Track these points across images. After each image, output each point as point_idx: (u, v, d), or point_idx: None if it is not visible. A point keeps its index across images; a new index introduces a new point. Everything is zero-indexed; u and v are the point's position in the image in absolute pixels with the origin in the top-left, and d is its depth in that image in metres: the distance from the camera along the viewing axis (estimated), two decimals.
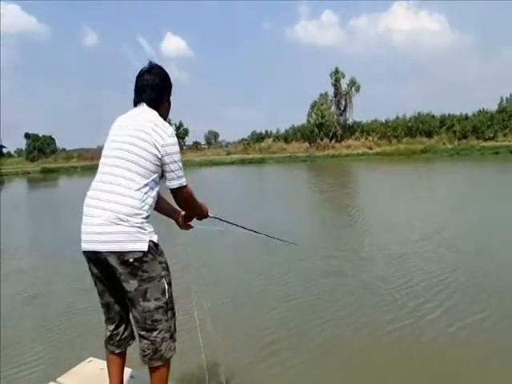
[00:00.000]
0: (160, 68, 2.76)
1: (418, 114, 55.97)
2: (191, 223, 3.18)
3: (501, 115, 50.90)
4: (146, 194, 2.45)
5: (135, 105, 2.71)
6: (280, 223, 12.97)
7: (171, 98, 2.83)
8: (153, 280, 2.45)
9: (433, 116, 55.50)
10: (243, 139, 72.50)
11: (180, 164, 2.54)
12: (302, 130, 60.78)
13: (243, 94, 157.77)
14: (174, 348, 2.59)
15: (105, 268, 2.47)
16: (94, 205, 2.45)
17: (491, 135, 48.85)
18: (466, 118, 53.33)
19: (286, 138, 63.27)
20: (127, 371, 2.95)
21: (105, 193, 2.44)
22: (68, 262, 9.39)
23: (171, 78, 2.82)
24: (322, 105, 58.64)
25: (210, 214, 3.08)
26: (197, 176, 35.54)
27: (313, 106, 59.36)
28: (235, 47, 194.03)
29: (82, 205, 2.53)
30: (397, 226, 11.95)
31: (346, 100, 59.71)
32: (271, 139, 65.10)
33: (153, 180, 2.50)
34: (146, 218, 2.46)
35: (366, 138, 54.80)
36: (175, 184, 2.55)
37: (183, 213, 3.05)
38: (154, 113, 2.63)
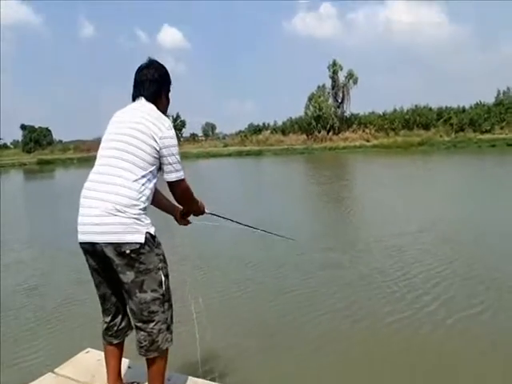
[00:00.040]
0: (159, 64, 2.77)
1: (416, 106, 55.84)
2: (189, 219, 3.17)
3: (498, 108, 50.84)
4: (143, 185, 2.44)
5: (134, 99, 2.70)
6: (277, 216, 12.96)
7: (170, 94, 2.84)
8: (150, 272, 2.44)
9: (430, 109, 55.37)
10: (240, 131, 72.37)
11: (178, 157, 2.54)
12: (300, 123, 60.58)
13: (240, 85, 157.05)
14: (171, 339, 2.57)
15: (101, 259, 2.45)
16: (92, 196, 2.43)
17: (488, 128, 48.79)
18: (463, 110, 53.24)
19: (284, 130, 63.08)
20: (125, 362, 2.93)
21: (103, 184, 2.43)
22: (66, 254, 9.39)
23: (169, 71, 2.82)
24: (319, 97, 58.46)
25: (206, 211, 3.08)
26: (194, 168, 35.50)
27: (310, 99, 59.19)
28: (232, 39, 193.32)
29: (79, 196, 2.51)
30: (394, 218, 11.97)
31: (343, 92, 59.55)
32: (268, 131, 64.88)
33: (150, 172, 2.48)
34: (144, 209, 2.45)
35: (364, 131, 54.70)
36: (173, 177, 2.54)
37: (181, 208, 3.03)
38: (152, 106, 2.63)
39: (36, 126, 77.43)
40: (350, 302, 6.22)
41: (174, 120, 69.74)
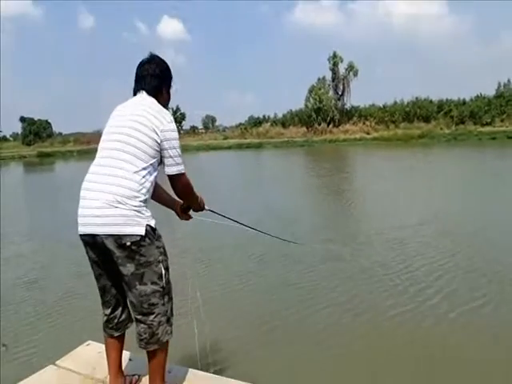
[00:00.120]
0: (160, 59, 2.77)
1: (416, 98, 55.83)
2: (189, 214, 3.17)
3: (498, 100, 50.77)
4: (144, 177, 2.43)
5: (135, 93, 2.71)
6: (277, 209, 12.95)
7: (172, 90, 2.85)
8: (150, 264, 2.43)
9: (430, 101, 55.32)
10: (241, 124, 72.40)
11: (179, 151, 2.54)
12: (300, 115, 60.56)
13: (241, 78, 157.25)
14: (171, 332, 2.58)
15: (102, 252, 2.44)
16: (94, 188, 2.42)
17: (488, 120, 48.76)
18: (464, 103, 53.18)
19: (284, 122, 63.06)
20: (125, 354, 2.93)
21: (104, 176, 2.42)
22: (66, 246, 9.39)
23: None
24: (319, 89, 58.39)
25: (206, 207, 3.07)
26: (194, 161, 35.50)
27: (310, 91, 59.11)
28: (233, 31, 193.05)
29: (79, 189, 2.49)
30: (395, 211, 11.96)
31: (343, 84, 59.50)
32: (269, 124, 64.88)
33: (151, 164, 2.47)
34: (144, 201, 2.44)
35: (364, 123, 54.68)
36: (174, 170, 2.53)
37: (181, 202, 3.03)
38: (153, 100, 2.63)
39: (35, 119, 77.47)
40: (351, 296, 6.21)
41: (174, 113, 69.70)
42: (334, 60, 58.75)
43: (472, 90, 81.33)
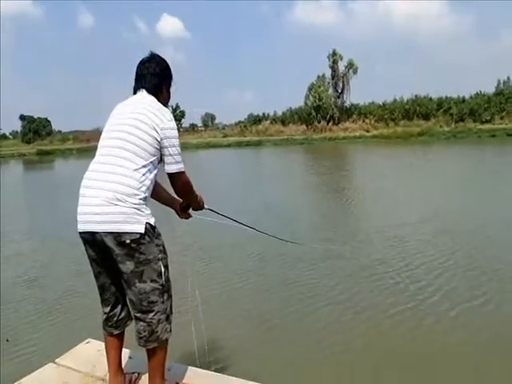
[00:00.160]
0: (161, 58, 2.79)
1: (416, 96, 55.86)
2: (189, 213, 3.17)
3: (498, 98, 50.78)
4: (144, 175, 2.43)
5: (135, 92, 2.72)
6: (277, 208, 12.95)
7: (172, 89, 2.86)
8: (149, 262, 2.44)
9: (430, 99, 55.35)
10: (240, 121, 72.25)
11: (179, 149, 2.55)
12: (300, 113, 60.54)
13: (240, 75, 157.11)
14: (170, 330, 2.59)
15: (101, 249, 2.44)
16: (93, 186, 2.43)
17: (488, 118, 48.75)
18: (464, 100, 53.16)
19: (284, 120, 62.99)
20: (125, 352, 2.94)
21: (104, 173, 2.42)
22: (66, 244, 9.39)
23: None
24: (319, 87, 58.35)
25: (205, 206, 3.09)
26: (194, 159, 35.46)
27: (310, 89, 59.07)
28: (232, 29, 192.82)
29: (79, 186, 2.49)
30: (395, 209, 11.96)
31: (343, 82, 59.46)
32: (268, 122, 64.77)
33: (151, 162, 2.48)
34: (144, 199, 2.44)
35: (364, 121, 54.67)
36: (173, 168, 2.55)
37: (181, 201, 3.04)
38: (153, 98, 2.65)
39: (35, 117, 77.30)
40: (352, 294, 6.20)
41: (174, 110, 69.60)
42: (334, 58, 58.71)
43: (471, 88, 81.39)
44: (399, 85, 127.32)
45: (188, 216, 3.17)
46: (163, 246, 2.56)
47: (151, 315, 2.48)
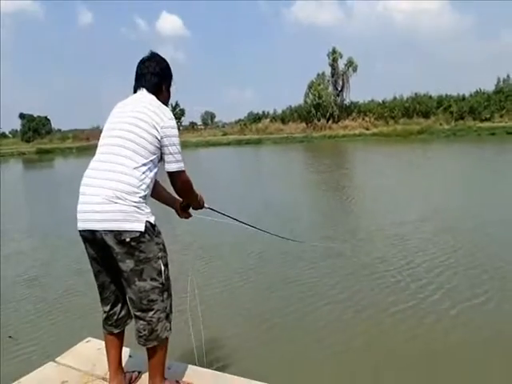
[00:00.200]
0: (161, 57, 2.80)
1: (415, 94, 55.72)
2: (189, 212, 3.17)
3: (498, 96, 50.69)
4: (144, 173, 2.43)
5: (135, 91, 2.73)
6: (276, 206, 12.94)
7: (172, 89, 2.87)
8: (149, 261, 2.44)
9: (430, 96, 55.27)
10: (240, 120, 72.24)
11: (179, 148, 2.56)
12: (299, 111, 60.44)
13: (240, 74, 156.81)
14: (170, 328, 2.59)
15: (101, 248, 2.44)
16: (93, 184, 2.43)
17: (488, 116, 48.67)
18: (463, 98, 53.08)
19: (283, 118, 62.89)
20: (125, 351, 2.94)
21: (104, 172, 2.42)
22: (66, 243, 9.38)
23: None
24: (319, 85, 58.26)
25: (205, 205, 3.08)
26: (193, 157, 35.40)
27: (310, 87, 58.97)
28: (232, 27, 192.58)
29: (79, 185, 2.49)
30: (395, 207, 11.95)
31: (343, 80, 59.38)
32: (268, 120, 64.71)
33: (151, 161, 2.48)
34: (144, 197, 2.44)
35: (363, 119, 54.61)
36: (174, 167, 2.55)
37: (181, 200, 3.04)
38: (153, 97, 2.65)
39: (35, 115, 77.19)
40: (352, 292, 6.19)
41: (173, 108, 69.53)
42: (334, 56, 58.63)
43: (471, 86, 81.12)
44: (399, 83, 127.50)
45: (188, 215, 3.17)
46: (163, 245, 2.56)
47: (151, 314, 2.48)
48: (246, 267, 7.52)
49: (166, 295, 2.54)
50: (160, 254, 2.50)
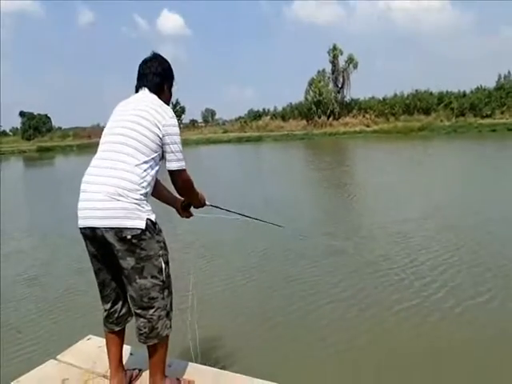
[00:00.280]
0: (163, 58, 2.84)
1: (416, 91, 55.69)
2: (190, 211, 3.18)
3: (498, 92, 50.65)
4: (145, 171, 2.45)
5: (137, 91, 2.77)
6: (277, 204, 12.90)
7: (173, 89, 2.91)
8: (150, 258, 2.45)
9: (430, 93, 55.24)
10: (240, 117, 72.33)
11: (180, 146, 2.58)
12: (300, 108, 60.43)
13: (240, 71, 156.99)
14: (170, 326, 2.61)
15: (101, 245, 2.45)
16: (95, 181, 2.44)
17: (489, 112, 48.64)
18: (464, 95, 53.04)
19: (284, 115, 62.89)
20: (126, 349, 2.95)
21: (106, 169, 2.44)
22: (67, 242, 9.38)
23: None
24: (319, 82, 58.25)
25: (207, 203, 3.08)
26: (194, 154, 35.43)
27: (310, 84, 58.97)
28: (232, 25, 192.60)
29: (80, 183, 2.49)
30: (397, 204, 11.92)
31: (343, 77, 59.34)
32: (268, 117, 64.73)
33: (153, 159, 2.50)
34: (145, 195, 2.46)
35: (364, 116, 54.61)
36: (175, 166, 2.57)
37: (182, 199, 3.05)
38: (155, 96, 2.69)
39: (35, 113, 77.28)
40: (356, 290, 6.16)
41: (174, 106, 69.53)
42: (334, 52, 58.57)
43: (472, 82, 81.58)
44: (400, 79, 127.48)
45: (189, 215, 3.18)
46: (164, 243, 2.57)
47: (151, 311, 2.49)
48: (248, 265, 7.50)
49: (166, 293, 2.55)
50: (161, 252, 2.51)
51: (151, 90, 2.69)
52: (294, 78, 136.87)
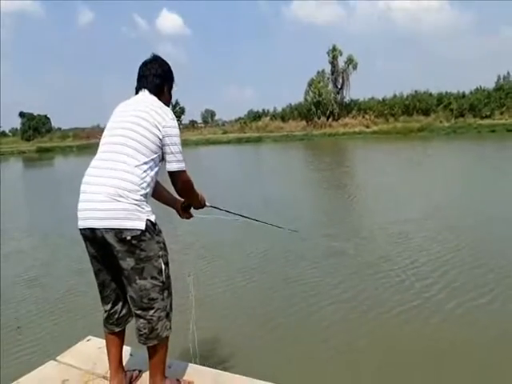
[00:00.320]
0: (163, 60, 2.85)
1: (415, 91, 55.75)
2: (191, 212, 3.17)
3: (498, 93, 50.70)
4: (145, 172, 2.45)
5: (137, 92, 2.77)
6: (277, 205, 12.88)
7: (172, 91, 2.92)
8: (150, 259, 2.45)
9: (430, 94, 55.30)
10: (240, 118, 72.32)
11: (180, 148, 2.57)
12: (299, 109, 60.43)
13: (240, 72, 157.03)
14: (170, 327, 2.60)
15: (101, 246, 2.44)
16: (95, 182, 2.44)
17: (488, 113, 48.69)
18: (463, 96, 53.09)
19: (283, 116, 62.92)
20: (126, 350, 2.95)
21: (106, 170, 2.43)
22: (67, 242, 9.38)
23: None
24: (319, 82, 58.25)
25: (207, 204, 3.08)
26: (193, 155, 35.39)
27: (310, 84, 58.97)
28: (232, 25, 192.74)
29: (80, 183, 2.48)
30: (397, 205, 11.91)
31: (343, 78, 59.34)
32: (268, 118, 64.74)
33: (152, 160, 2.49)
34: (145, 196, 2.45)
35: (363, 117, 54.62)
36: (174, 167, 2.56)
37: (182, 200, 3.05)
38: (155, 98, 2.69)
39: (35, 114, 77.25)
40: (356, 292, 6.14)
41: (174, 107, 69.50)
42: (334, 53, 58.59)
43: (471, 83, 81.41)
44: (399, 80, 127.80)
45: (189, 216, 3.17)
46: (164, 244, 2.56)
47: (151, 312, 2.48)
48: (248, 267, 7.49)
49: (166, 294, 2.55)
50: (161, 253, 2.50)
51: (151, 92, 2.69)
52: (294, 78, 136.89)
